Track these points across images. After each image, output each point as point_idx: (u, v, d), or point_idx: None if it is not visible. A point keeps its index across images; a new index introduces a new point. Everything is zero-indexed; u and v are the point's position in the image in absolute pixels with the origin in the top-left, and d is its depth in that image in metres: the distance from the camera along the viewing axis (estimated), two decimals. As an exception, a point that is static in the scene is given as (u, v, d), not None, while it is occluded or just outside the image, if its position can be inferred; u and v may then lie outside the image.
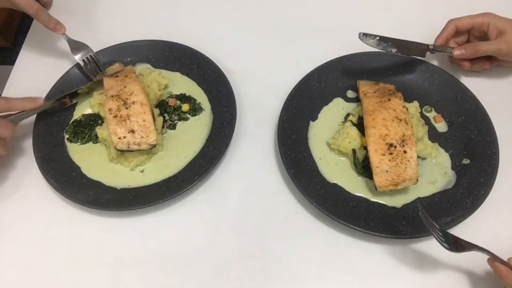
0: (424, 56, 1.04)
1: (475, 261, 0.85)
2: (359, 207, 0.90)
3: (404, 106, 0.90)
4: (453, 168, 0.93)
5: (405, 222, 0.86)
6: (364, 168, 0.92)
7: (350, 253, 0.87)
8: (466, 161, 0.93)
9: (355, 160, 0.93)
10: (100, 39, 1.13)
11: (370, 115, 0.91)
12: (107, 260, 0.88)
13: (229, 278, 0.86)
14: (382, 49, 1.02)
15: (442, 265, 0.85)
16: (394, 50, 1.02)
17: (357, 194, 0.92)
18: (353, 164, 0.93)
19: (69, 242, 0.90)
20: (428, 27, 1.09)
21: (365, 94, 0.96)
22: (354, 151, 0.93)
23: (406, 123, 0.88)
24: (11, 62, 1.16)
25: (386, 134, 0.88)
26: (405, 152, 0.86)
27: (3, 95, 1.10)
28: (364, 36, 1.01)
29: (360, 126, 0.94)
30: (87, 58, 1.07)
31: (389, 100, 0.93)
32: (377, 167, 0.86)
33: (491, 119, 0.95)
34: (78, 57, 1.07)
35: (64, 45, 1.10)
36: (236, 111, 0.99)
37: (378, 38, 1.01)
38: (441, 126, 0.99)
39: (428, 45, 1.03)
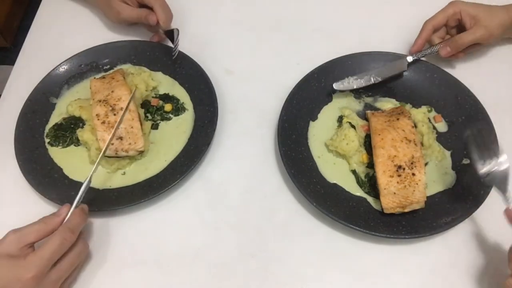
0: (406, 70, 1.03)
1: (476, 261, 0.85)
2: (359, 207, 0.90)
3: (413, 126, 0.89)
4: (453, 168, 0.93)
5: (405, 222, 0.86)
6: (370, 187, 0.91)
7: (350, 253, 0.87)
8: (466, 161, 0.93)
9: (359, 181, 0.92)
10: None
11: (379, 134, 0.89)
12: (107, 260, 0.88)
13: (229, 278, 0.86)
14: (365, 85, 1.01)
15: (442, 265, 0.85)
16: (375, 79, 1.02)
17: (357, 194, 0.92)
18: (357, 184, 0.92)
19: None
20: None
21: (373, 113, 0.96)
22: (354, 171, 0.93)
23: (415, 144, 0.87)
24: (11, 62, 1.16)
25: (395, 156, 0.86)
26: (413, 174, 0.84)
27: (3, 95, 1.10)
28: (341, 84, 1.01)
29: (366, 144, 0.94)
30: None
31: (398, 119, 0.90)
32: (385, 188, 0.85)
33: (491, 119, 0.95)
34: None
35: (64, 45, 1.10)
36: (217, 109, 0.99)
37: (355, 77, 1.02)
38: (441, 126, 0.99)
39: (405, 57, 1.03)
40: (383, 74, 1.02)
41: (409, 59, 1.03)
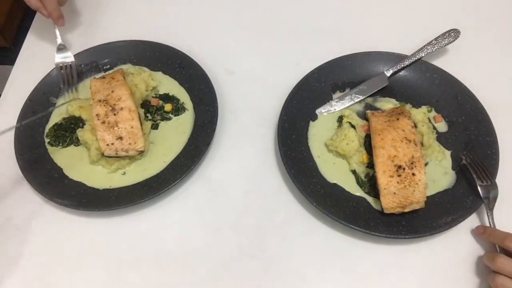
0: (387, 83, 1.03)
1: (476, 261, 0.85)
2: (359, 207, 0.90)
3: (413, 126, 0.89)
4: (453, 168, 0.93)
5: (405, 222, 0.86)
6: (370, 187, 0.91)
7: (350, 253, 0.87)
8: (466, 161, 0.93)
9: (359, 181, 0.92)
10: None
11: (379, 134, 0.89)
12: (107, 260, 0.88)
13: (229, 278, 0.86)
14: (348, 105, 1.02)
15: (442, 265, 0.85)
16: (359, 98, 1.02)
17: (357, 194, 0.92)
18: (357, 184, 0.92)
19: (66, 244, 0.90)
20: (428, 27, 1.09)
21: (373, 113, 0.96)
22: (354, 171, 0.93)
23: (415, 144, 0.86)
24: (11, 62, 1.16)
25: (395, 156, 0.86)
26: (413, 174, 0.84)
27: (3, 95, 1.10)
28: (323, 109, 1.01)
29: (366, 144, 0.94)
30: (65, 66, 1.07)
31: (398, 119, 0.90)
32: (385, 188, 0.85)
33: (491, 119, 0.95)
34: (57, 60, 1.07)
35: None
36: (217, 109, 0.99)
37: (337, 99, 1.02)
38: (441, 126, 0.99)
39: (384, 72, 1.03)
40: (364, 93, 1.02)
41: (388, 73, 1.03)
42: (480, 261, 0.85)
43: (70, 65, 1.07)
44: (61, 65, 1.07)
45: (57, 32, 1.08)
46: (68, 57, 1.07)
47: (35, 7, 1.02)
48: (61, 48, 1.08)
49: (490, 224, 0.85)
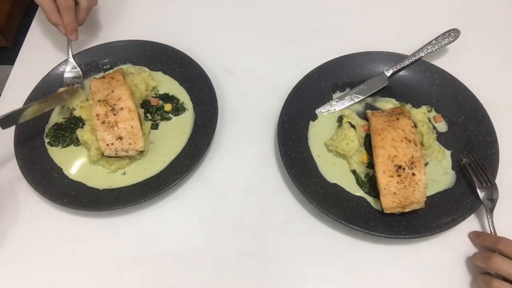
0: (387, 83, 1.03)
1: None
2: (359, 207, 0.90)
3: (413, 126, 0.89)
4: (453, 168, 0.93)
5: (405, 222, 0.86)
6: (370, 187, 0.91)
7: (350, 253, 0.87)
8: (466, 161, 0.93)
9: (359, 181, 0.92)
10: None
11: (379, 134, 0.89)
12: (107, 260, 0.88)
13: (229, 278, 0.86)
14: (348, 105, 1.02)
15: (442, 265, 0.85)
16: (359, 98, 1.02)
17: (357, 194, 0.92)
18: (357, 184, 0.92)
19: (66, 244, 0.90)
20: (428, 27, 1.09)
21: (373, 113, 0.96)
22: (354, 171, 0.93)
23: (415, 144, 0.86)
24: (11, 62, 1.16)
25: (395, 156, 0.86)
26: (413, 174, 0.84)
27: (3, 95, 1.10)
28: (322, 109, 1.02)
29: (366, 144, 0.94)
30: (73, 84, 1.07)
31: (398, 119, 0.90)
32: (385, 188, 0.85)
33: (491, 119, 0.95)
34: (66, 78, 1.07)
35: (64, 45, 1.10)
36: (217, 109, 0.99)
37: (337, 99, 1.02)
38: (441, 126, 0.99)
39: (384, 71, 1.03)
40: (364, 93, 1.02)
41: (388, 73, 1.03)
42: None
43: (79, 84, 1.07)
44: (68, 83, 1.06)
45: (70, 53, 1.08)
46: (78, 78, 1.07)
47: (55, 23, 1.02)
48: (72, 71, 1.08)
49: (489, 226, 0.85)
